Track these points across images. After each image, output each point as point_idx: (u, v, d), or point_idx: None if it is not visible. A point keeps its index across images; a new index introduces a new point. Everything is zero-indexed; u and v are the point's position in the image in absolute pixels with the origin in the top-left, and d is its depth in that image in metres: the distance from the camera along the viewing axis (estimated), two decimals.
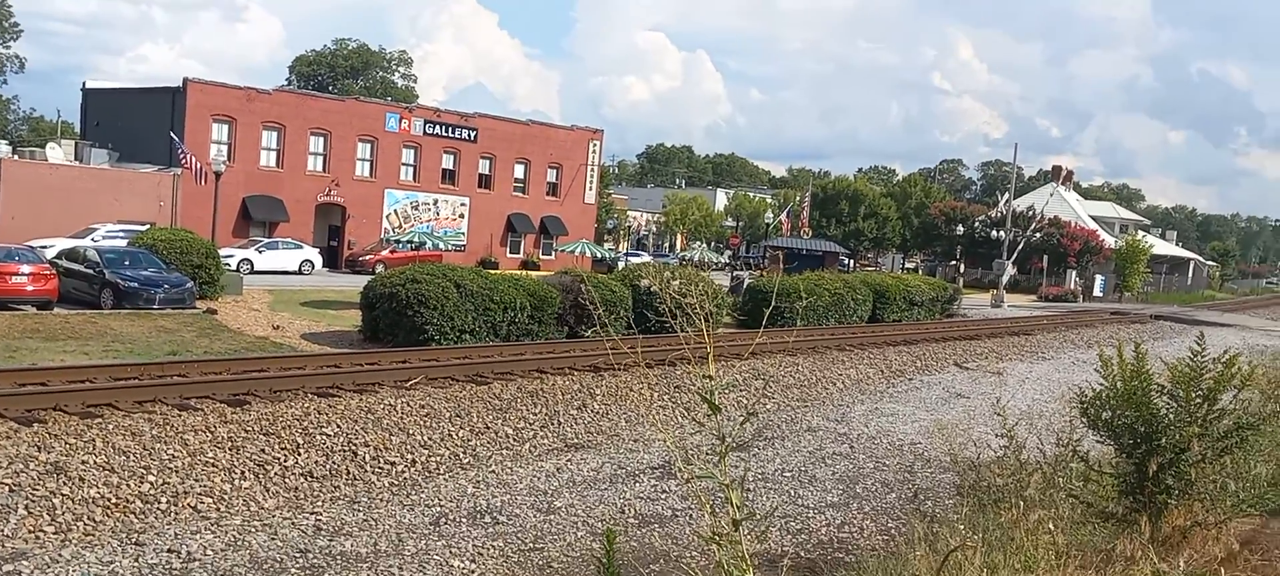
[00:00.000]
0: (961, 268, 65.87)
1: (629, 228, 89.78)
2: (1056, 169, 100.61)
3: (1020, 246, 65.22)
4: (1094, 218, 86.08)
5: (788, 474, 14.95)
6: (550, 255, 57.69)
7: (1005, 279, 59.18)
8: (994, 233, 72.11)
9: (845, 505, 13.49)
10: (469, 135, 55.52)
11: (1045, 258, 70.51)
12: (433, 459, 14.32)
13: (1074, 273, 71.78)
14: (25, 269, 24.65)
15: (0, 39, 79.51)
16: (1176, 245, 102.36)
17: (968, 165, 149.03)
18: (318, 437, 13.78)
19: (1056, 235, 73.26)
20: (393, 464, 13.83)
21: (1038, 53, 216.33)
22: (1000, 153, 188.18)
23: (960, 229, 77.16)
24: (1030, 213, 75.19)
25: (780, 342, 24.79)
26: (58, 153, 45.51)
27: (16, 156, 45.79)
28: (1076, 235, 74.87)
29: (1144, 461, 7.37)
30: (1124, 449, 7.66)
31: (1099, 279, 73.18)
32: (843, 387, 23.08)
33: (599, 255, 58.69)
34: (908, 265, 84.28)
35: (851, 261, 77.58)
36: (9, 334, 20.88)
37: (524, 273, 31.01)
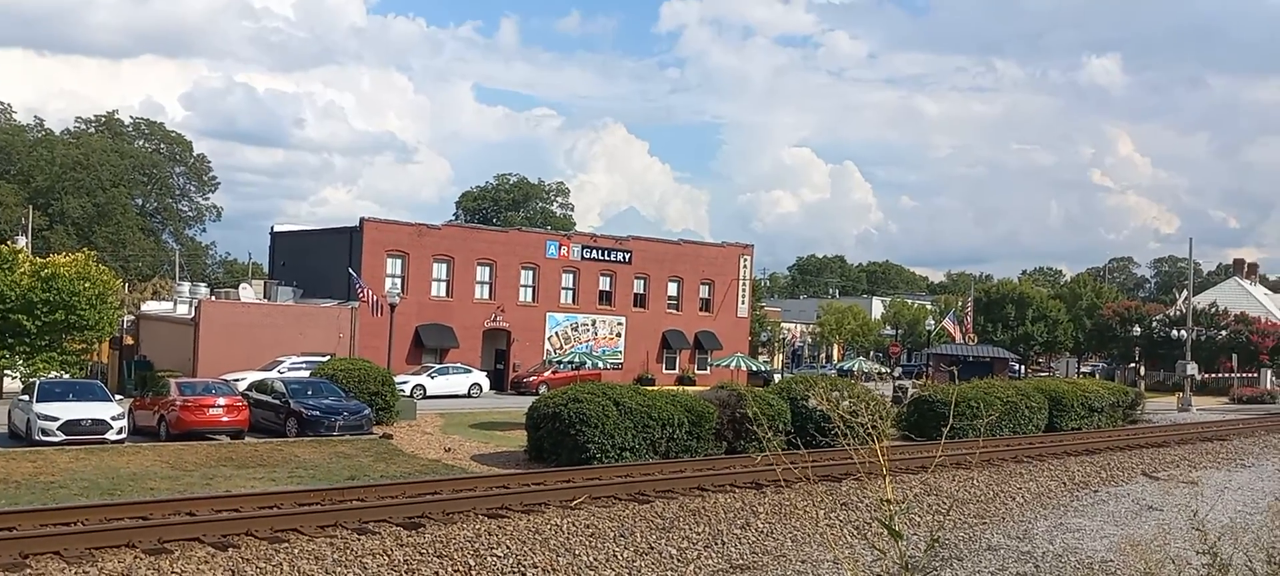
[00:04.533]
0: (1142, 370, 62.11)
1: (783, 339, 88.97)
2: (1238, 262, 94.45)
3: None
4: None
5: None
6: (705, 370, 57.75)
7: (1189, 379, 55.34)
8: (1174, 332, 67.87)
9: None
10: (624, 257, 56.87)
11: (1234, 356, 65.69)
12: None
13: (1270, 371, 66.50)
14: (221, 401, 26.54)
15: (201, 192, 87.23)
16: None
17: (1139, 262, 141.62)
18: (488, 559, 14.05)
19: (1244, 332, 68.27)
20: None
21: (1204, 144, 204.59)
22: (1173, 248, 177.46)
23: (1137, 330, 72.98)
24: (1213, 310, 70.52)
25: (951, 454, 23.83)
26: (249, 292, 49.27)
27: (214, 297, 50.04)
28: (1268, 331, 69.59)
29: None
30: None
31: None
32: (1023, 502, 21.91)
33: (754, 368, 58.31)
34: (1083, 369, 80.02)
35: (1022, 367, 74.25)
36: (206, 462, 22.35)
37: (680, 388, 31.12)
